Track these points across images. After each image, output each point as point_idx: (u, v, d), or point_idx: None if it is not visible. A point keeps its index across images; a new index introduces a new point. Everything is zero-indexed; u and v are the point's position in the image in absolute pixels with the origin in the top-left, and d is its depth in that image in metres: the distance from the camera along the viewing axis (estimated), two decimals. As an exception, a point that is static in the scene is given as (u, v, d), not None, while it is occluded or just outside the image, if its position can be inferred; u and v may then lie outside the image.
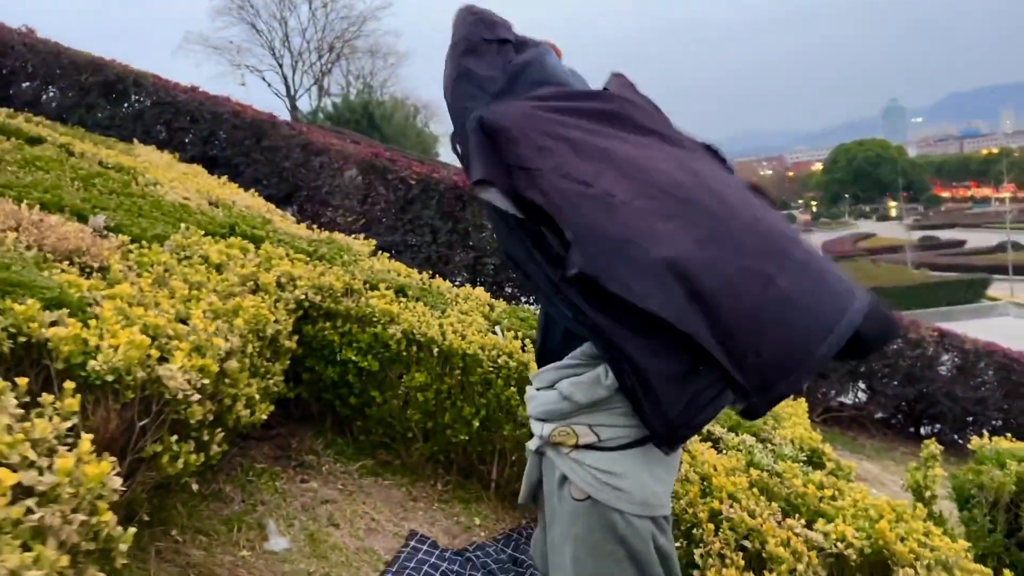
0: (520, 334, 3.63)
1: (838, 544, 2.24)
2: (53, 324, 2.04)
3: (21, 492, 1.35)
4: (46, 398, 1.67)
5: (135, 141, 7.44)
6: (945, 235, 69.22)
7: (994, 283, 38.06)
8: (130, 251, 2.94)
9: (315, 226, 5.47)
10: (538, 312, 1.91)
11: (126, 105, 8.92)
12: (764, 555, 2.11)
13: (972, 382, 9.32)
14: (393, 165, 8.72)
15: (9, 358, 1.95)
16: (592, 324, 1.46)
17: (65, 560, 1.28)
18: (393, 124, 36.13)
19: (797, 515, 2.40)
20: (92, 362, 1.98)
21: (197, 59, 38.29)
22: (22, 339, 1.98)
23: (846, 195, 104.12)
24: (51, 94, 8.85)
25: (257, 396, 2.75)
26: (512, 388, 3.34)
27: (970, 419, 9.20)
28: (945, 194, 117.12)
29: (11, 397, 1.55)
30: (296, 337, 3.27)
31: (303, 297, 3.37)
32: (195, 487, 2.41)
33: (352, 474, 3.44)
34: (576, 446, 1.61)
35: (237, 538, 2.72)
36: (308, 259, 3.85)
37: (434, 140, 40.86)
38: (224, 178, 6.89)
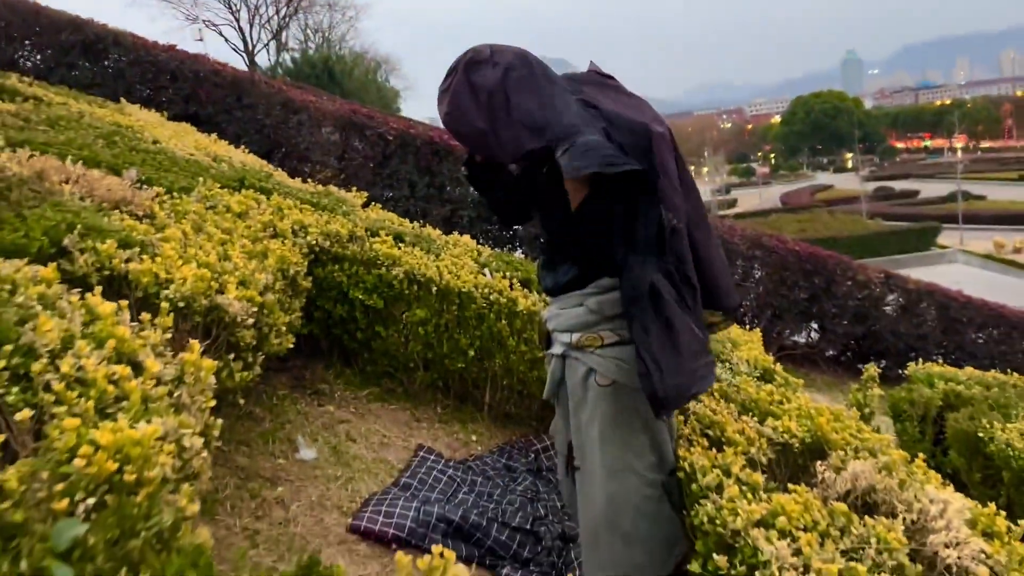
0: (508, 275, 4.05)
1: (784, 436, 2.71)
2: (127, 261, 2.41)
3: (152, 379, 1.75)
4: (145, 316, 2.05)
5: (122, 100, 7.60)
6: (899, 185, 69.80)
7: (945, 232, 39.15)
8: (163, 201, 3.28)
9: (309, 180, 5.77)
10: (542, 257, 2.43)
11: (107, 64, 8.97)
12: (723, 440, 2.57)
13: (915, 320, 9.93)
14: (371, 122, 8.97)
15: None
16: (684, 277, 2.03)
17: (199, 428, 1.69)
18: (354, 79, 35.63)
19: (751, 414, 2.88)
20: (165, 291, 2.35)
21: (151, 13, 37.11)
22: (105, 273, 2.35)
23: (804, 147, 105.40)
24: (27, 53, 8.84)
25: (284, 328, 3.14)
26: (503, 322, 3.77)
27: (913, 354, 9.78)
28: (900, 145, 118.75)
29: (126, 313, 1.93)
30: (310, 278, 3.64)
31: (314, 243, 3.74)
32: (242, 401, 2.81)
33: (361, 400, 3.86)
34: (603, 345, 2.13)
35: (272, 449, 3.15)
36: (313, 209, 4.20)
37: (395, 95, 40.45)
38: (214, 136, 7.13)
